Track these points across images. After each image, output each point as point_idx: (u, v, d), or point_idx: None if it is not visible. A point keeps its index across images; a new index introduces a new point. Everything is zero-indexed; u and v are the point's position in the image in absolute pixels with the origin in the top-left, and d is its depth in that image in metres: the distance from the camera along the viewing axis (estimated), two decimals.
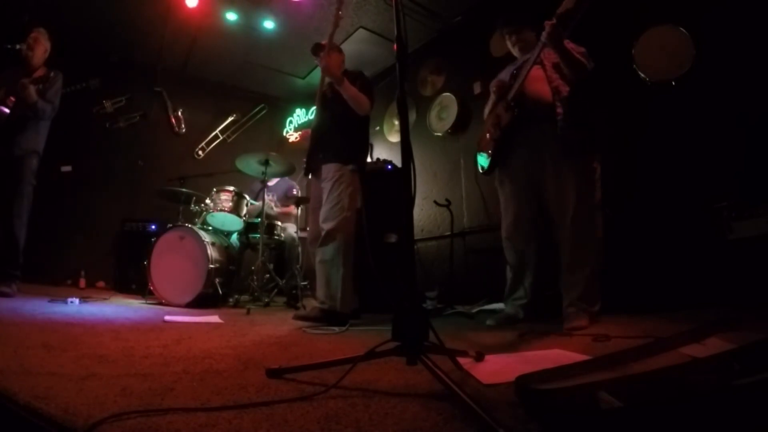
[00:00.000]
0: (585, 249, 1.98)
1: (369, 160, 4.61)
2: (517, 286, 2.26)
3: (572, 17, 1.93)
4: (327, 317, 2.21)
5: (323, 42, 2.46)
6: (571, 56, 2.03)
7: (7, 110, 2.72)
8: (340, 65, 2.63)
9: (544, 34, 1.96)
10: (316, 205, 2.51)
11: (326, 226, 2.30)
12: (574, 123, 2.03)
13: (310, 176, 2.61)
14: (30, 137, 2.83)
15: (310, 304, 2.77)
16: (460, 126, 4.00)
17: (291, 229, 3.79)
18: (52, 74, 2.89)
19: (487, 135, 2.35)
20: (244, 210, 3.52)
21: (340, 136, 2.45)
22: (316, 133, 2.58)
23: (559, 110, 2.04)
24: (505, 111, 2.21)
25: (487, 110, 2.42)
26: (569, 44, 2.10)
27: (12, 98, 2.72)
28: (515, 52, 2.36)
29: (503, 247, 2.32)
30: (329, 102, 2.53)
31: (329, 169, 2.40)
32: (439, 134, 4.20)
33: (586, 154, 2.04)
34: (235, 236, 3.69)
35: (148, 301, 3.15)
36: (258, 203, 3.55)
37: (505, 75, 2.33)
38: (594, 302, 1.97)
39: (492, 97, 2.34)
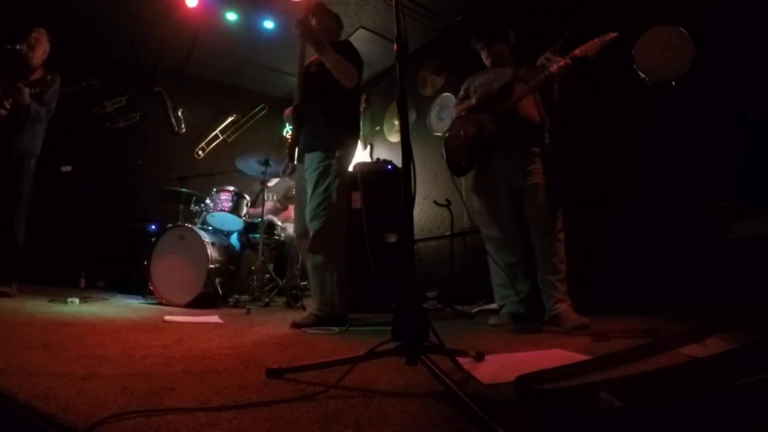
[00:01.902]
0: (553, 254, 2.09)
1: (369, 160, 4.62)
2: (513, 286, 2.29)
3: (588, 64, 2.00)
4: (324, 324, 2.10)
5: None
6: (568, 91, 2.15)
7: (4, 112, 2.72)
8: (326, 30, 2.31)
9: (557, 71, 2.03)
10: (301, 196, 2.28)
11: (313, 227, 2.11)
12: (555, 149, 2.21)
13: (295, 161, 2.32)
14: (27, 139, 2.83)
15: (310, 304, 2.77)
16: None
17: (291, 229, 3.78)
18: (48, 77, 2.89)
19: (462, 133, 2.35)
20: (244, 210, 3.52)
21: (324, 119, 2.18)
22: (298, 114, 2.25)
23: (546, 138, 2.21)
24: (492, 122, 2.25)
25: (457, 110, 2.44)
26: None
27: (9, 100, 2.72)
28: (489, 63, 2.45)
29: (489, 252, 2.38)
30: (313, 78, 2.23)
31: (313, 159, 2.16)
32: (439, 134, 4.19)
33: (558, 167, 2.20)
34: (235, 236, 3.69)
35: (148, 301, 3.15)
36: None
37: (484, 82, 2.39)
38: (563, 285, 2.09)
39: (470, 102, 2.37)
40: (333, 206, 2.11)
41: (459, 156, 2.38)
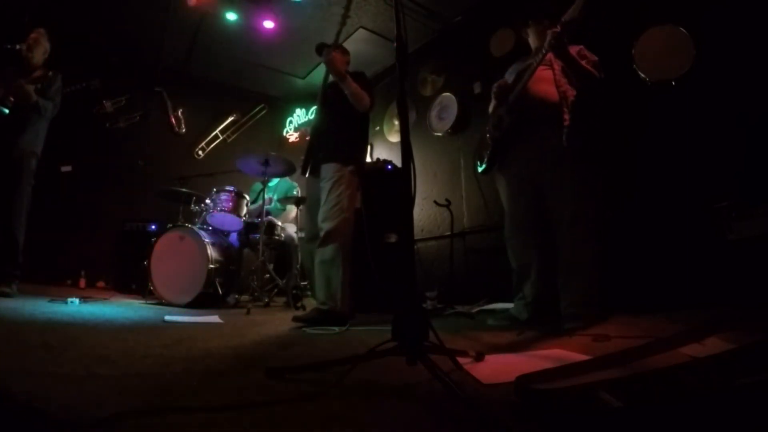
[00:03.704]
0: (584, 251, 1.98)
1: (369, 160, 4.62)
2: (521, 287, 2.26)
3: (577, 25, 1.95)
4: (326, 318, 2.18)
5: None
6: (577, 64, 2.05)
7: (7, 111, 2.72)
8: (345, 63, 2.62)
9: (546, 43, 1.98)
10: (313, 204, 2.50)
11: (326, 226, 2.28)
12: (578, 129, 2.06)
13: (307, 175, 2.55)
14: (29, 138, 2.83)
15: (310, 304, 2.77)
16: (460, 126, 4.00)
17: (291, 229, 3.78)
18: (50, 73, 2.89)
19: (487, 135, 2.36)
20: (244, 210, 3.52)
21: (340, 136, 2.45)
22: (316, 131, 2.56)
23: (566, 115, 2.06)
24: (506, 113, 2.22)
25: (491, 110, 2.42)
26: (583, 51, 2.13)
27: (11, 99, 2.71)
28: (534, 44, 2.36)
29: (506, 246, 2.33)
30: (331, 101, 2.52)
31: (328, 169, 2.39)
32: (439, 134, 4.20)
33: (589, 159, 2.07)
34: (235, 236, 3.69)
35: (148, 301, 3.15)
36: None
37: (509, 75, 2.35)
38: (593, 304, 1.96)
39: (494, 100, 2.34)
40: (344, 211, 2.31)
41: (482, 154, 2.37)
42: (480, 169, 2.43)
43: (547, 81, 2.15)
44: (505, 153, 2.28)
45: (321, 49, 2.46)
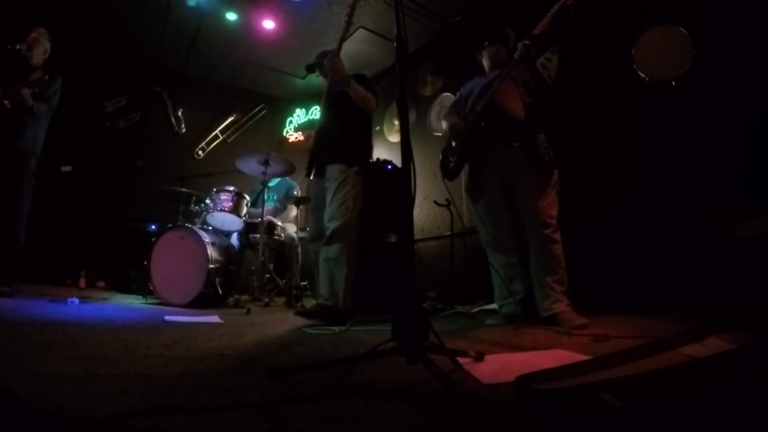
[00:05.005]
0: (558, 248, 2.09)
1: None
2: (509, 288, 2.31)
3: (546, 39, 2.06)
4: (329, 314, 2.23)
5: (321, 54, 2.50)
6: (539, 74, 2.16)
7: (5, 111, 2.72)
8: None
9: (517, 53, 2.08)
10: (318, 204, 2.53)
11: (332, 225, 2.33)
12: (541, 138, 2.20)
13: (311, 177, 2.60)
14: (28, 139, 2.83)
15: (310, 304, 2.77)
16: None
17: (291, 229, 3.78)
18: (47, 76, 2.88)
19: (453, 143, 2.42)
20: (244, 210, 3.52)
21: (345, 138, 2.48)
22: (320, 134, 2.59)
23: (531, 125, 2.20)
24: (475, 122, 2.27)
25: (447, 121, 2.49)
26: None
27: (6, 102, 2.71)
28: (487, 65, 2.46)
29: (487, 253, 2.40)
30: (335, 103, 2.55)
31: (334, 170, 2.42)
32: (439, 134, 4.20)
33: (550, 164, 2.18)
34: (235, 236, 3.69)
35: (148, 301, 3.15)
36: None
37: (474, 86, 2.42)
38: (565, 293, 2.07)
39: (451, 119, 2.43)
40: (350, 210, 2.36)
41: (448, 160, 2.46)
42: (446, 174, 2.51)
43: (512, 94, 2.25)
44: (475, 160, 2.35)
45: (311, 68, 2.55)
